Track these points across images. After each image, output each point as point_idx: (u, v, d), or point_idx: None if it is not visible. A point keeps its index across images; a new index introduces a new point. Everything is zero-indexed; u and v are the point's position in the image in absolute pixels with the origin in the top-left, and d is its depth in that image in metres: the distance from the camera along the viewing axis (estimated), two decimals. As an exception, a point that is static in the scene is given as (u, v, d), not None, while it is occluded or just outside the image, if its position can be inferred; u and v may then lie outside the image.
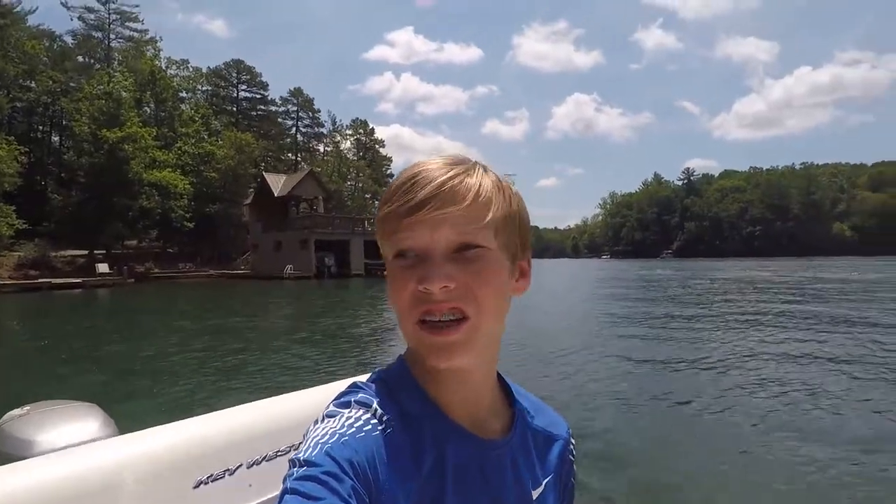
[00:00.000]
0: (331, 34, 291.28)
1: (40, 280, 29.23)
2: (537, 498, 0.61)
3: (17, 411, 1.22)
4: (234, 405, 1.08)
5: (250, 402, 1.11)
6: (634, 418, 5.07)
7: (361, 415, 0.53)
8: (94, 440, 1.12)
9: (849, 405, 5.28)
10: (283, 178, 45.66)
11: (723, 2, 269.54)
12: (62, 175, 45.24)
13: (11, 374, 7.72)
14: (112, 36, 54.18)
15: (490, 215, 0.53)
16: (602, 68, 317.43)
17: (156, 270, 38.63)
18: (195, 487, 0.88)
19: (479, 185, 0.54)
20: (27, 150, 41.75)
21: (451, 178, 0.52)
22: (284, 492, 0.45)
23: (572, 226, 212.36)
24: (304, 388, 1.18)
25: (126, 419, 1.32)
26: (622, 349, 8.55)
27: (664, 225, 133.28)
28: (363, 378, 0.61)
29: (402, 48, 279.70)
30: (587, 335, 10.23)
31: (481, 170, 0.56)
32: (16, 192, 33.11)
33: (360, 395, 0.55)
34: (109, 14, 53.36)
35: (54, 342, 10.68)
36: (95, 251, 36.84)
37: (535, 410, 0.67)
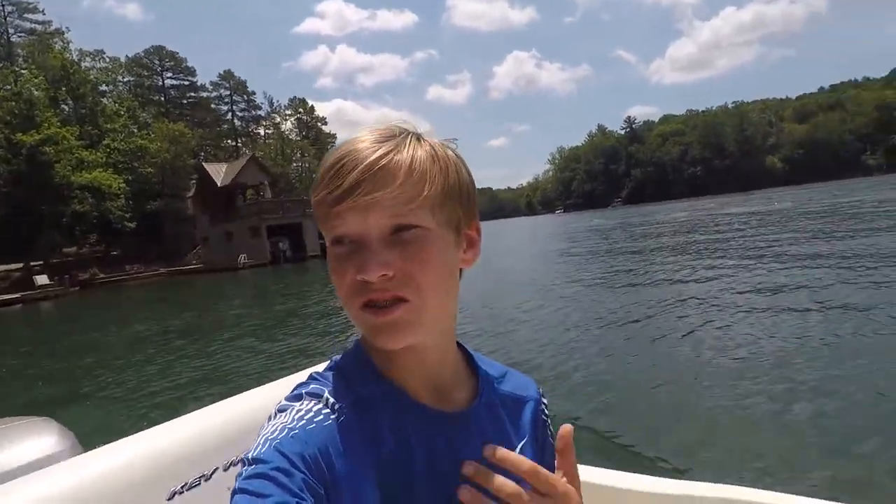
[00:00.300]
0: (256, 10, 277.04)
1: (-27, 300, 27.50)
2: None
3: None
4: (202, 406, 1.04)
5: (219, 401, 1.06)
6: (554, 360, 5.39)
7: (313, 406, 0.52)
8: (52, 455, 1.12)
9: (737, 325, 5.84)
10: (224, 166, 44.05)
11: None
12: (-21, 186, 42.00)
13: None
14: (11, 30, 49.77)
15: (425, 191, 0.51)
16: (538, 24, 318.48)
17: (101, 276, 36.92)
18: (169, 499, 0.84)
19: (412, 160, 0.51)
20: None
21: (379, 158, 0.50)
22: (234, 492, 0.44)
23: (525, 184, 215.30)
24: (275, 380, 1.15)
25: (85, 431, 1.31)
26: (560, 300, 8.97)
27: (612, 174, 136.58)
28: (321, 367, 0.60)
29: (334, 18, 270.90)
30: (522, 293, 10.60)
31: (414, 142, 0.53)
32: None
33: (311, 386, 0.55)
34: (3, 6, 48.84)
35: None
36: (32, 263, 34.76)
37: (501, 376, 0.66)
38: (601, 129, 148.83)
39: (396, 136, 0.53)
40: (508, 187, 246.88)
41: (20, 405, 6.47)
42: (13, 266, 34.24)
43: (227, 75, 70.55)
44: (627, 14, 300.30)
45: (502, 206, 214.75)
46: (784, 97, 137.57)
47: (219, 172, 42.32)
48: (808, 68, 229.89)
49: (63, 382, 7.69)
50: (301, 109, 70.72)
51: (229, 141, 69.07)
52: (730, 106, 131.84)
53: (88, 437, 1.14)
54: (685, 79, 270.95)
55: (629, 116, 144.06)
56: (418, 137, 0.54)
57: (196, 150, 53.38)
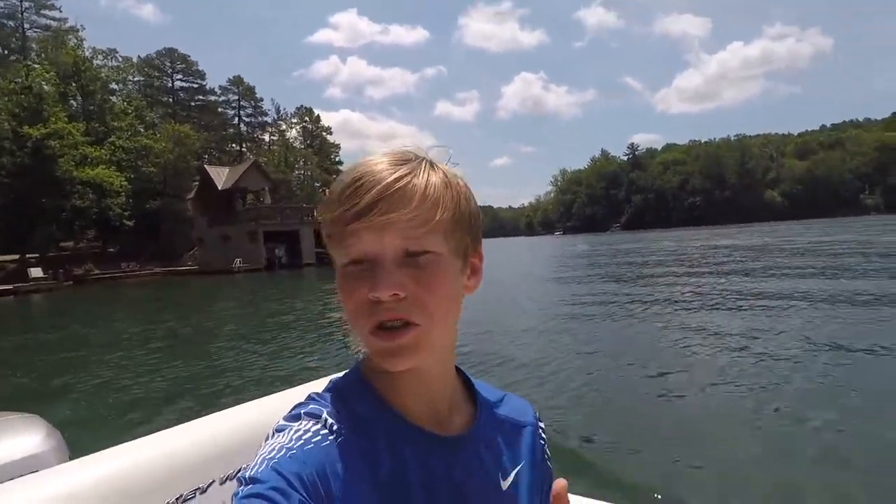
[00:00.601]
0: (270, 18, 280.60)
1: (-34, 290, 27.38)
2: (508, 487, 0.60)
3: None
4: (198, 416, 1.01)
5: (216, 411, 1.04)
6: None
7: (311, 426, 0.52)
8: (38, 454, 1.14)
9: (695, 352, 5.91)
10: (226, 170, 44.24)
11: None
12: (-19, 176, 42.07)
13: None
14: (26, 25, 50.30)
15: (438, 216, 0.52)
16: (547, 47, 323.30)
17: (96, 272, 36.82)
18: None
19: (426, 185, 0.52)
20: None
21: (397, 180, 0.51)
22: None
23: (526, 204, 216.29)
24: (276, 392, 1.14)
25: (71, 430, 1.32)
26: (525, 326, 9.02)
27: (612, 199, 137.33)
28: (320, 386, 0.61)
29: (347, 31, 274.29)
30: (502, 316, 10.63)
31: (428, 167, 0.54)
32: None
33: (310, 407, 0.55)
34: (21, 1, 49.41)
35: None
36: (28, 255, 34.71)
37: (498, 400, 0.66)
38: (604, 153, 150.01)
39: (412, 161, 0.54)
40: (510, 206, 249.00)
41: (6, 400, 6.45)
42: (8, 257, 34.18)
43: (237, 80, 71.14)
44: (636, 43, 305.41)
45: (503, 224, 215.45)
46: (786, 133, 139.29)
47: (220, 175, 42.50)
48: (811, 106, 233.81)
49: (49, 379, 7.63)
50: (307, 118, 71.27)
51: (234, 145, 69.41)
52: (732, 138, 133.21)
53: (75, 437, 1.16)
54: (691, 109, 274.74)
55: (632, 143, 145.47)
56: (432, 164, 0.55)
57: (200, 153, 53.64)
